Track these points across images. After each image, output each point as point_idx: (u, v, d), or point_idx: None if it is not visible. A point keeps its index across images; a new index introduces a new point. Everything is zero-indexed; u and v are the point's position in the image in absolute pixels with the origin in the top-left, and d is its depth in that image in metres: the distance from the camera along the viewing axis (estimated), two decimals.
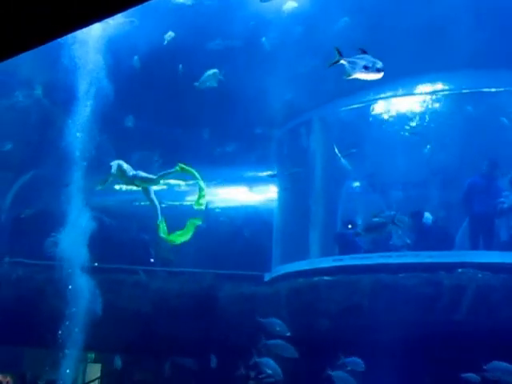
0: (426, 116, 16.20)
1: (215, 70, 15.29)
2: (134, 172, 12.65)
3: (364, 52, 9.02)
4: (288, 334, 13.30)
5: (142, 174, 12.69)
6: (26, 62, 15.23)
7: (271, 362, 13.21)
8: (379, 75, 9.11)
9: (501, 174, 14.82)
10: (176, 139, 18.37)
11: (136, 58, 15.56)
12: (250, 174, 19.32)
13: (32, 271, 16.79)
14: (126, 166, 12.68)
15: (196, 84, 15.37)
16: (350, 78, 9.04)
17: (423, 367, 13.23)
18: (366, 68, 8.94)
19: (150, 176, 12.72)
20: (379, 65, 8.97)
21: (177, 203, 20.39)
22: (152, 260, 17.97)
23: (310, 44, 15.39)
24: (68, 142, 14.44)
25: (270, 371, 13.04)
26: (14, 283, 16.64)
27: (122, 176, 12.65)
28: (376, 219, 13.50)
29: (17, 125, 17.41)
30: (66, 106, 14.69)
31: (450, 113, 15.88)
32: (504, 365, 11.73)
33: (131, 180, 12.71)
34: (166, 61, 15.93)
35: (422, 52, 14.82)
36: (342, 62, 8.94)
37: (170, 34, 15.43)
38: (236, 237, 18.37)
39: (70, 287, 14.71)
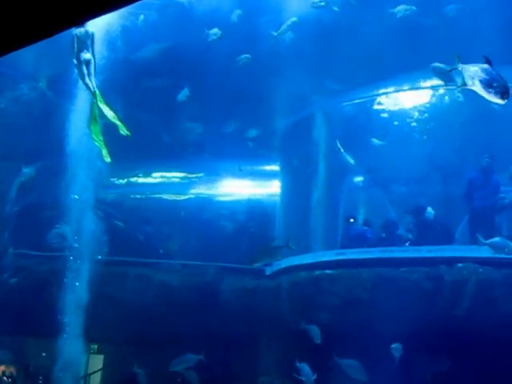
0: (429, 111, 16.23)
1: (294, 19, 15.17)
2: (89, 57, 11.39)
3: (488, 62, 7.70)
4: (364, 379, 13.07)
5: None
6: (30, 54, 15.33)
7: (306, 367, 13.12)
8: (500, 100, 7.59)
9: (498, 168, 14.86)
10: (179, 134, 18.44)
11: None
12: (254, 167, 19.32)
13: (35, 262, 16.86)
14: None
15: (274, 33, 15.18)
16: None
17: (424, 361, 13.29)
18: (488, 85, 7.48)
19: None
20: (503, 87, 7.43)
21: (178, 196, 20.48)
22: (161, 251, 18.01)
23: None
24: (72, 135, 14.54)
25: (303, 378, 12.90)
26: (18, 274, 16.71)
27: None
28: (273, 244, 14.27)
29: (21, 117, 17.49)
30: (70, 99, 14.75)
31: (452, 108, 15.90)
32: None
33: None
34: (178, 52, 15.98)
35: (425, 47, 14.84)
36: (459, 68, 7.89)
37: (216, 32, 15.31)
38: (239, 230, 18.41)
39: (72, 279, 14.80)
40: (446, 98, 16.13)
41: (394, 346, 12.75)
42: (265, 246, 14.45)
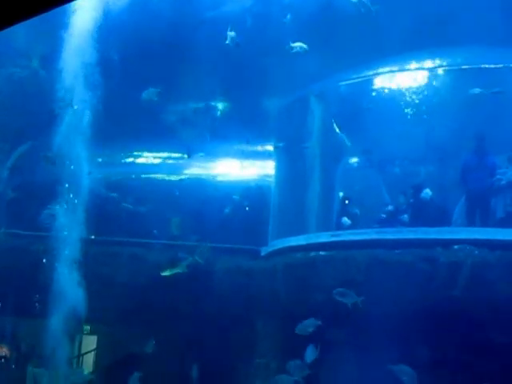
0: (425, 92, 16.12)
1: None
2: None
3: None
4: None
5: None
6: (22, 32, 15.13)
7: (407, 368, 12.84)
8: None
9: (496, 150, 14.82)
10: (174, 113, 18.33)
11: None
12: (249, 148, 19.19)
13: (28, 242, 16.76)
14: None
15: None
16: None
17: (418, 342, 13.28)
18: None
19: None
20: None
21: (172, 177, 20.40)
22: (155, 231, 17.94)
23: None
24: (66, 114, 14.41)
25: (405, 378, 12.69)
26: (10, 254, 16.61)
27: None
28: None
29: (14, 96, 17.30)
30: (63, 77, 14.61)
31: (450, 89, 15.80)
32: None
33: None
34: (168, 31, 15.81)
35: (421, 27, 14.72)
36: None
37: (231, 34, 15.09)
38: (234, 210, 18.33)
39: (65, 259, 14.72)
40: (444, 79, 16.02)
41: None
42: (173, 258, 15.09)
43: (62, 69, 14.76)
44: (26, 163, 17.54)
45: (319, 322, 13.01)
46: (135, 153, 20.63)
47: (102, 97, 14.73)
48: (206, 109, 18.30)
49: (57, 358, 14.35)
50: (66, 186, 15.00)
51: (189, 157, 18.51)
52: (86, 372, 17.27)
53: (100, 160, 18.20)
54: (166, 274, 14.54)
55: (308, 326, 13.08)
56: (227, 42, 14.75)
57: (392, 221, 15.48)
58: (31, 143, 17.21)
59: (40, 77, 17.08)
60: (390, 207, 15.96)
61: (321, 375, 13.96)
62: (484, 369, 12.39)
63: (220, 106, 18.38)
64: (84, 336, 19.05)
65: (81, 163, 15.12)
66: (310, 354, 13.06)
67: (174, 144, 19.59)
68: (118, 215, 17.76)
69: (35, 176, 16.84)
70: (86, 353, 18.89)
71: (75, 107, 14.66)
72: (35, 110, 16.04)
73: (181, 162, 20.17)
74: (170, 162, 20.85)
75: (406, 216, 15.55)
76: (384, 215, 15.78)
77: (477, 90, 14.56)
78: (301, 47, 14.94)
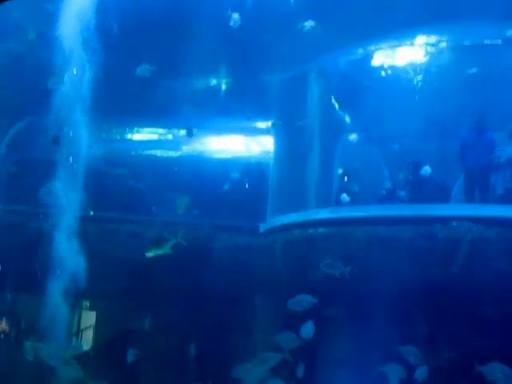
0: (425, 68, 16.07)
1: None
2: None
3: None
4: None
5: None
6: (19, 6, 15.02)
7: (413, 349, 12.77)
8: None
9: (497, 126, 14.80)
10: (173, 89, 18.22)
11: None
12: (248, 124, 19.14)
13: (26, 219, 16.74)
14: None
15: None
16: None
17: (418, 319, 13.33)
18: None
19: None
20: None
21: (171, 153, 20.35)
22: (153, 208, 17.93)
23: None
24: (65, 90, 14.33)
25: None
26: (8, 230, 16.60)
27: None
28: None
29: (11, 71, 17.18)
30: (61, 51, 14.52)
31: (450, 65, 15.75)
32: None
33: None
34: (170, 5, 15.70)
35: (422, 3, 14.63)
36: None
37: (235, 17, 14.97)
38: (233, 187, 18.32)
39: (63, 235, 14.71)
40: (444, 55, 15.96)
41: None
42: (157, 238, 14.95)
43: (59, 36, 14.61)
44: (24, 139, 17.48)
45: (314, 299, 13.01)
46: (134, 129, 20.55)
47: (101, 64, 14.63)
48: (207, 85, 18.22)
49: (56, 333, 14.38)
50: (65, 162, 14.94)
51: (189, 136, 18.45)
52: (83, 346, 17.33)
53: (99, 136, 18.12)
54: (150, 254, 14.53)
55: (301, 301, 13.08)
56: (230, 24, 14.69)
57: (391, 197, 15.50)
58: (29, 119, 17.14)
59: (37, 51, 16.97)
60: (389, 184, 15.98)
61: (319, 352, 14.05)
62: (482, 344, 12.46)
63: (221, 82, 18.30)
64: (83, 312, 19.09)
65: (80, 138, 15.06)
66: (306, 330, 13.08)
67: (173, 120, 19.52)
68: (116, 191, 17.73)
69: (33, 152, 16.79)
70: (85, 328, 18.94)
71: (74, 72, 14.55)
72: (33, 85, 15.93)
73: (180, 138, 20.09)
74: (169, 138, 20.77)
75: (404, 193, 15.58)
76: (384, 192, 15.82)
77: (477, 67, 14.54)
78: (311, 26, 14.90)
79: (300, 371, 13.21)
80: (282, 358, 13.03)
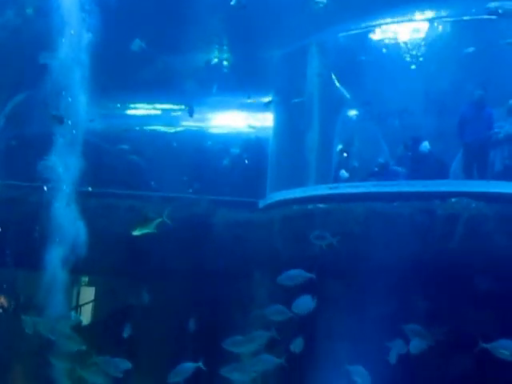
0: (426, 43, 16.00)
1: None
2: None
3: None
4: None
5: None
6: None
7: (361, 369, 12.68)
8: None
9: (496, 102, 14.75)
10: (173, 64, 18.16)
11: None
12: (248, 100, 19.07)
13: (24, 193, 16.72)
14: None
15: None
16: None
17: (416, 294, 13.38)
18: None
19: None
20: None
21: (170, 128, 20.32)
22: (152, 183, 17.93)
23: None
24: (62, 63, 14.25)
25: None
26: (6, 205, 16.59)
27: None
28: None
29: (8, 44, 17.08)
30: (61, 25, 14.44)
31: (450, 40, 15.68)
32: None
33: None
34: None
35: None
36: None
37: None
38: (232, 162, 18.30)
39: (62, 211, 14.70)
40: (444, 30, 15.88)
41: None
42: (144, 217, 14.86)
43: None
44: (22, 113, 17.42)
45: (308, 274, 12.95)
46: (133, 104, 20.51)
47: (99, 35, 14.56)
48: (208, 61, 18.14)
49: (55, 308, 14.41)
50: (64, 136, 14.90)
51: (190, 116, 18.40)
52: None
53: (99, 111, 18.06)
54: (136, 233, 14.54)
55: (293, 276, 13.05)
56: (232, 3, 14.61)
57: (384, 173, 15.47)
58: (28, 92, 17.06)
59: (35, 25, 16.87)
60: (381, 160, 15.95)
61: (317, 327, 14.10)
62: (480, 318, 12.52)
63: (221, 58, 18.23)
64: (82, 287, 19.18)
65: (78, 112, 15.00)
66: (299, 304, 13.00)
67: (173, 95, 19.46)
68: (115, 167, 17.71)
69: (32, 126, 16.74)
70: (84, 304, 19.03)
71: (72, 32, 14.47)
72: (30, 59, 15.85)
73: (180, 114, 20.05)
74: (169, 113, 20.74)
75: (399, 168, 15.55)
76: (376, 168, 15.79)
77: (477, 42, 14.46)
78: (322, 2, 14.82)
79: (295, 346, 13.18)
80: (270, 336, 13.00)
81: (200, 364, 12.53)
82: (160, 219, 14.19)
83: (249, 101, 18.75)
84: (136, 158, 18.48)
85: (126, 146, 18.58)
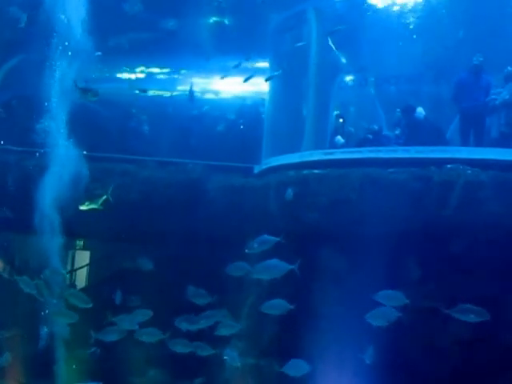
0: (423, 8, 15.88)
1: None
2: None
3: None
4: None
5: None
6: None
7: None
8: None
9: (493, 69, 14.68)
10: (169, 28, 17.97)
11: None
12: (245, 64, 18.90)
13: (20, 158, 16.66)
14: None
15: None
16: None
17: (410, 260, 13.41)
18: None
19: None
20: None
21: (165, 93, 20.19)
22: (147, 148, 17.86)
23: None
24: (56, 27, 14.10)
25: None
26: (1, 170, 16.53)
27: None
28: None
29: (2, 6, 16.90)
30: None
31: (448, 4, 15.56)
32: None
33: None
34: None
35: None
36: None
37: None
38: (228, 128, 18.22)
39: (57, 175, 14.66)
40: None
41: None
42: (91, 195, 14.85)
43: None
44: (16, 77, 17.27)
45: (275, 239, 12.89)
46: (128, 68, 20.35)
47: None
48: (205, 25, 17.98)
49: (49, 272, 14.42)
50: (58, 100, 14.80)
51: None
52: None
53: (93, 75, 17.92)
54: (83, 208, 14.53)
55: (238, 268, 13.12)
56: None
57: (377, 139, 15.43)
58: (22, 56, 16.92)
59: None
60: (375, 126, 15.90)
61: (312, 296, 14.15)
62: (472, 286, 12.57)
63: (218, 21, 18.05)
64: (77, 251, 19.19)
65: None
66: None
67: (169, 59, 19.32)
68: (110, 131, 17.62)
69: (26, 90, 16.61)
70: (79, 268, 19.06)
71: None
72: (25, 21, 15.70)
73: (175, 78, 19.94)
74: (164, 78, 20.62)
75: (391, 134, 15.52)
76: (370, 136, 15.73)
77: (474, 8, 14.35)
78: None
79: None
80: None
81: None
82: (105, 196, 14.22)
83: (246, 64, 18.59)
84: (132, 122, 18.41)
85: (120, 111, 18.48)
